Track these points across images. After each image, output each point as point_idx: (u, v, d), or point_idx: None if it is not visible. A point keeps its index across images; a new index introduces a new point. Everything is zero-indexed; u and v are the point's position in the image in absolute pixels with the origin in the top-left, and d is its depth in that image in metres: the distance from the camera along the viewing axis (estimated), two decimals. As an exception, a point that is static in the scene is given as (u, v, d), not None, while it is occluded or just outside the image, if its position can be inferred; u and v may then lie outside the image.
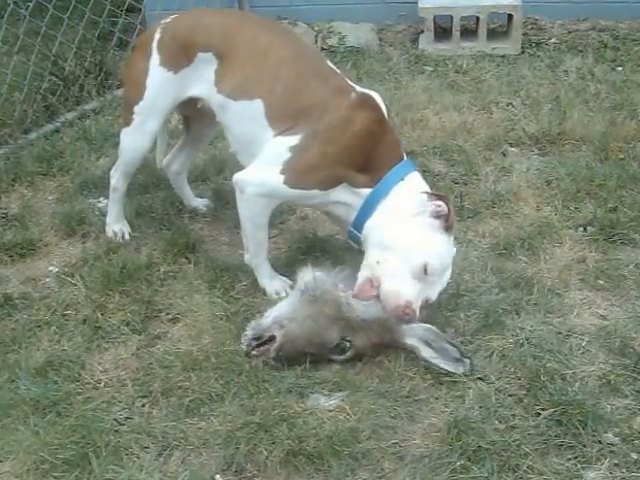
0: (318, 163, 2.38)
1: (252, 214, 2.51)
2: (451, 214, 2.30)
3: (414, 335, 2.24)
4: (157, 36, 2.66)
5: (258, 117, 2.47)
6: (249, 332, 2.29)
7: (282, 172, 2.40)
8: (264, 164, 2.45)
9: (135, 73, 2.72)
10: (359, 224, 2.39)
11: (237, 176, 2.50)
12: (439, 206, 2.28)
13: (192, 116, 2.92)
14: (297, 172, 2.40)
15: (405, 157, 2.47)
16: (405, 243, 2.27)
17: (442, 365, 2.20)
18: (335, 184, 2.41)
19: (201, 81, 2.60)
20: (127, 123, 2.77)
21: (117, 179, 2.90)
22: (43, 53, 4.18)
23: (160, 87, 2.66)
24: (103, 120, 3.94)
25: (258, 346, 2.26)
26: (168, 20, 2.72)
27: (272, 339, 2.25)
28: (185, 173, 3.11)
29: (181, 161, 3.06)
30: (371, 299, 2.26)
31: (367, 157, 2.38)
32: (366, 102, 2.44)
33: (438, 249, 2.28)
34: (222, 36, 2.58)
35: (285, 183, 2.41)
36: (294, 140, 2.40)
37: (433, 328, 2.25)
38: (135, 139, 2.78)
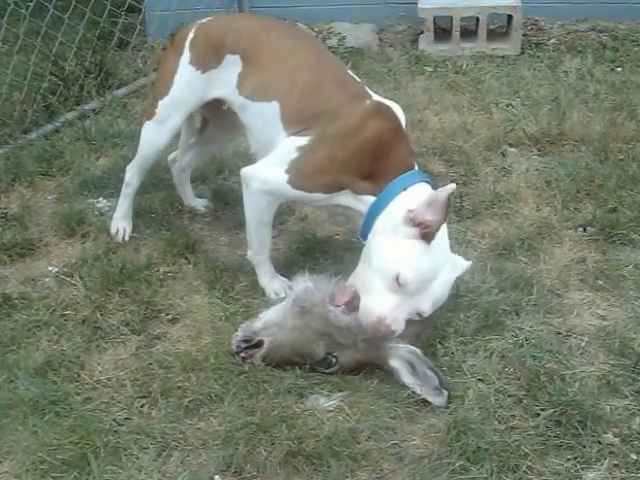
0: (324, 167, 2.38)
1: (256, 210, 2.52)
2: (432, 222, 2.16)
3: (398, 356, 2.19)
4: (191, 35, 2.70)
5: (274, 119, 2.48)
6: (240, 333, 2.29)
7: (287, 171, 2.41)
8: (271, 161, 2.46)
9: (166, 68, 2.78)
10: (365, 233, 2.35)
11: (244, 170, 2.52)
12: (410, 212, 2.19)
13: (210, 119, 2.95)
14: (302, 173, 2.40)
15: (416, 168, 2.41)
16: (378, 255, 2.23)
17: (421, 393, 2.14)
18: (339, 189, 2.40)
19: (226, 83, 2.62)
20: (150, 116, 2.80)
21: (132, 174, 2.93)
22: (43, 53, 4.18)
23: (187, 85, 2.69)
24: (103, 120, 3.94)
25: (247, 348, 2.26)
26: (204, 21, 2.77)
27: (260, 344, 2.25)
28: (189, 172, 3.12)
29: (187, 159, 3.07)
30: (344, 307, 2.22)
31: (374, 166, 2.35)
32: (380, 111, 2.42)
33: (411, 258, 2.17)
34: (250, 39, 2.61)
35: (289, 183, 2.41)
36: (303, 141, 2.40)
37: (418, 351, 2.18)
38: (155, 133, 2.80)
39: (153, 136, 2.81)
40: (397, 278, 2.16)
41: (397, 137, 2.40)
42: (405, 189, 2.32)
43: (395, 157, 2.37)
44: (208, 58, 2.64)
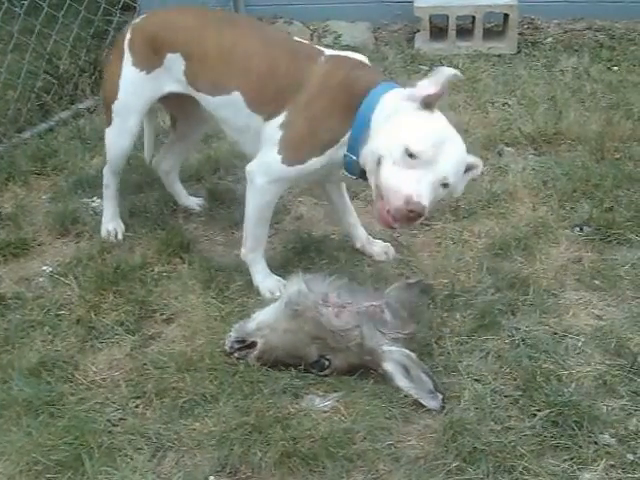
0: (306, 134, 2.38)
1: (259, 205, 2.52)
2: (434, 94, 2.17)
3: (392, 359, 2.17)
4: (128, 36, 2.69)
5: (241, 108, 2.50)
6: (233, 334, 2.28)
7: (279, 152, 2.41)
8: (264, 150, 2.47)
9: (110, 73, 2.77)
10: (353, 146, 2.32)
11: (248, 167, 2.53)
12: (413, 88, 2.21)
13: (177, 115, 2.95)
14: (291, 147, 2.41)
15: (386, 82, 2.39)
16: (385, 141, 2.20)
17: (415, 396, 2.12)
18: (330, 146, 2.37)
19: (175, 80, 2.63)
20: (108, 122, 2.80)
21: (108, 177, 2.94)
22: (37, 52, 4.17)
23: (133, 87, 2.68)
24: (97, 119, 3.91)
25: (240, 349, 2.25)
26: (138, 20, 2.76)
27: (254, 345, 2.24)
28: (176, 172, 3.11)
29: (170, 160, 3.07)
30: (336, 310, 2.20)
31: (351, 108, 2.32)
32: (337, 62, 2.43)
33: (415, 127, 2.16)
34: (187, 37, 2.60)
35: (283, 162, 2.41)
36: (281, 118, 2.42)
37: (412, 355, 2.16)
38: (116, 138, 2.81)
39: (115, 140, 2.81)
40: (407, 152, 2.12)
41: (360, 72, 2.40)
42: (382, 96, 2.30)
43: (364, 82, 2.35)
44: (150, 58, 2.63)
